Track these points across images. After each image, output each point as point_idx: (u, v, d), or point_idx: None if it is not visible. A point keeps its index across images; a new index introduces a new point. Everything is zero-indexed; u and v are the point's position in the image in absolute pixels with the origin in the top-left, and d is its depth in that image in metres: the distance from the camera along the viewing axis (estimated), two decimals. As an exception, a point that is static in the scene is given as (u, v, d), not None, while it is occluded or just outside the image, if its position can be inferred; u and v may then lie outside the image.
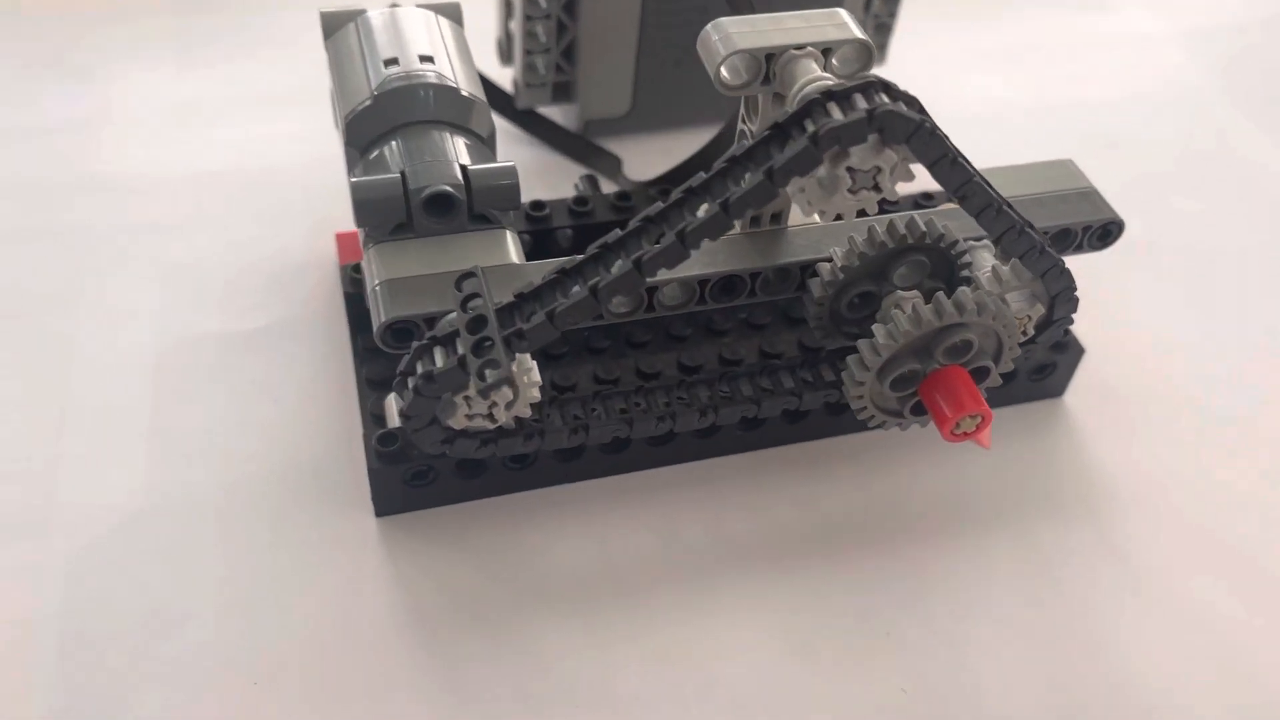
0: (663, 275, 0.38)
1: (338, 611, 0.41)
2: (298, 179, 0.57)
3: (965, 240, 0.40)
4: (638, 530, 0.45)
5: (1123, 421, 0.50)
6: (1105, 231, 0.44)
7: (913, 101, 0.34)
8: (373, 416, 0.46)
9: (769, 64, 0.37)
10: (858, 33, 0.37)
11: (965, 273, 0.41)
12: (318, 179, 0.57)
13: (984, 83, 0.69)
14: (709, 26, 0.37)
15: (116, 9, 0.66)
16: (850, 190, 0.34)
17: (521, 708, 0.39)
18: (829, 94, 0.33)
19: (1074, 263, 0.41)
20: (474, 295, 0.36)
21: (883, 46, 0.63)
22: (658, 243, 0.34)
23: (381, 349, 0.39)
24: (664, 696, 0.40)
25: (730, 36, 0.36)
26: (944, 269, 0.40)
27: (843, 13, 0.38)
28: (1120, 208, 0.44)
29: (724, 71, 0.37)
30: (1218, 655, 0.42)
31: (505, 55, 0.59)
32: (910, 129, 0.33)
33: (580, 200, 0.50)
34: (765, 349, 0.48)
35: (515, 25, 0.56)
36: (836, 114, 0.32)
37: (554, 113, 0.60)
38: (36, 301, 0.50)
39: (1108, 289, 0.55)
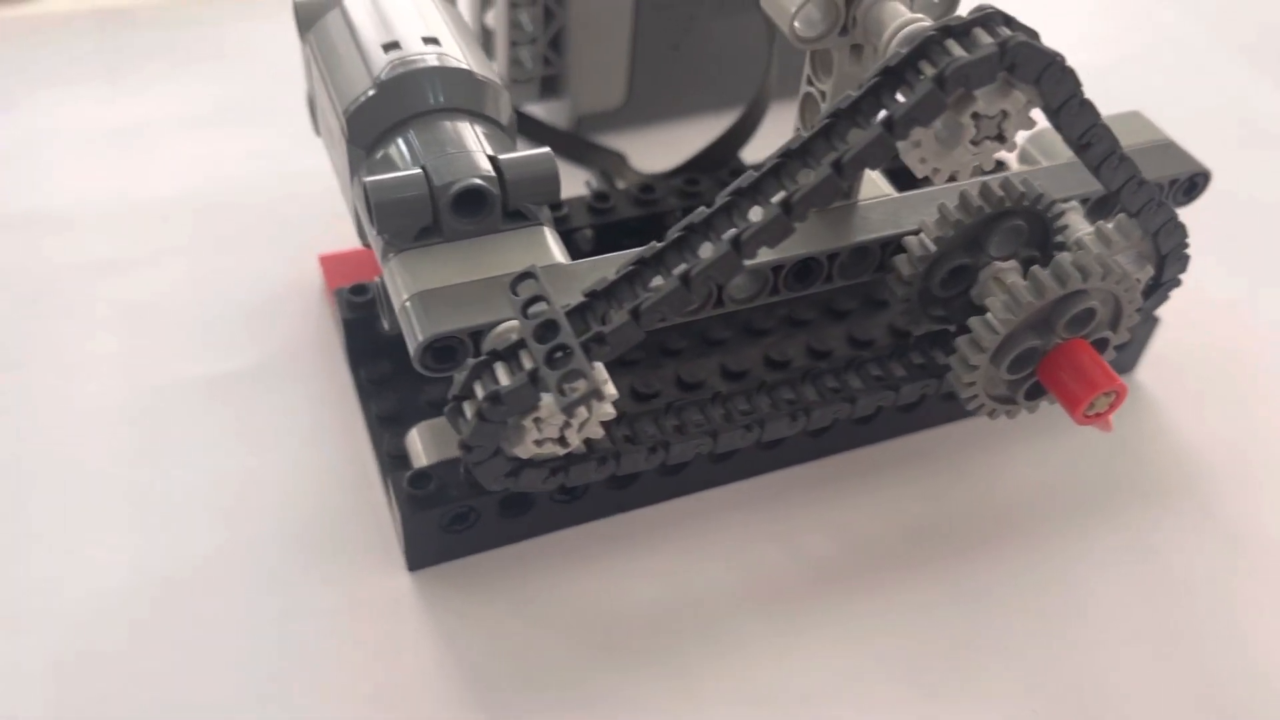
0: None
1: (380, 686, 0.35)
2: (261, 201, 0.51)
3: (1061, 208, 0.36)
4: (707, 559, 0.40)
5: (1201, 393, 0.46)
6: (1191, 185, 0.40)
7: (1035, 35, 0.29)
8: (390, 458, 0.40)
9: (849, 10, 0.32)
10: (942, -31, 0.33)
11: (1059, 238, 0.36)
12: (284, 200, 0.51)
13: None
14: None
15: (31, 29, 0.59)
16: (973, 141, 0.29)
17: (612, 776, 0.34)
18: (946, 30, 0.28)
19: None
20: (535, 299, 0.30)
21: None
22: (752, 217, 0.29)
23: (422, 372, 0.33)
24: (768, 746, 0.35)
25: (804, -18, 0.32)
26: (1039, 235, 0.36)
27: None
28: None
29: (798, 24, 0.32)
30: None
31: (485, 52, 0.54)
32: (1043, 64, 0.28)
33: (600, 196, 0.45)
34: (814, 346, 0.44)
35: (495, 17, 0.51)
36: (958, 51, 0.28)
37: (540, 111, 0.55)
38: (-26, 357, 0.43)
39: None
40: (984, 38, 0.28)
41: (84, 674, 0.35)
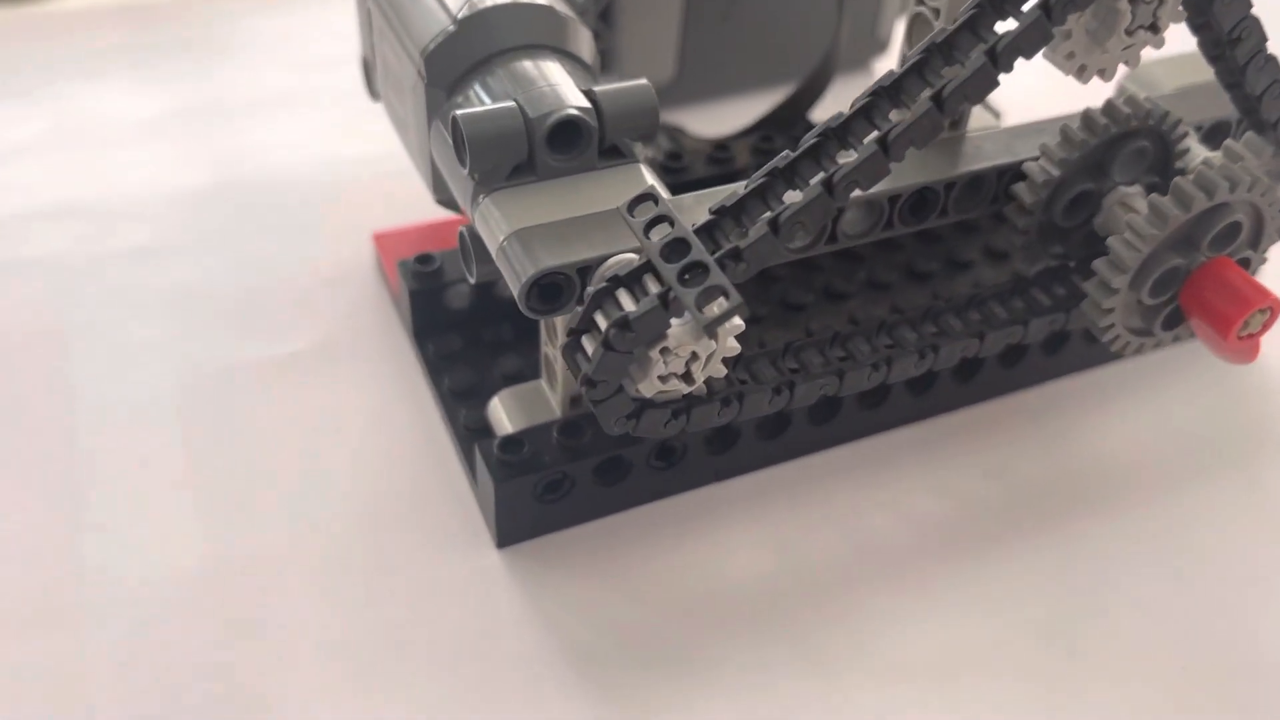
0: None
1: (479, 673, 0.32)
2: (301, 186, 0.49)
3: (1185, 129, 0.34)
4: (813, 526, 0.37)
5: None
6: (1302, 113, 0.38)
7: (1187, -84, 0.27)
8: (468, 431, 0.37)
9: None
10: None
11: (1179, 164, 0.34)
12: (324, 185, 0.49)
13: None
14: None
15: (54, 25, 0.57)
16: (1127, 31, 0.27)
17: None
18: (1099, -92, 0.26)
19: None
20: (657, 220, 0.28)
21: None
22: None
23: (527, 314, 0.30)
24: (909, 717, 0.32)
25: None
26: (1161, 160, 0.34)
27: None
28: None
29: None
30: None
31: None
32: (1203, -60, 0.26)
33: (673, 155, 0.43)
34: (898, 306, 0.42)
35: (540, -11, 0.49)
36: (1115, -71, 0.26)
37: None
38: (19, 345, 0.40)
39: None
40: (1140, -86, 0.26)
41: (145, 662, 0.32)
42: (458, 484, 0.37)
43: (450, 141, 0.32)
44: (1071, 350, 0.41)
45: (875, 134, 0.27)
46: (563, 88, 0.32)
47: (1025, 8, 0.26)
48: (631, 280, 0.27)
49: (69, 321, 0.41)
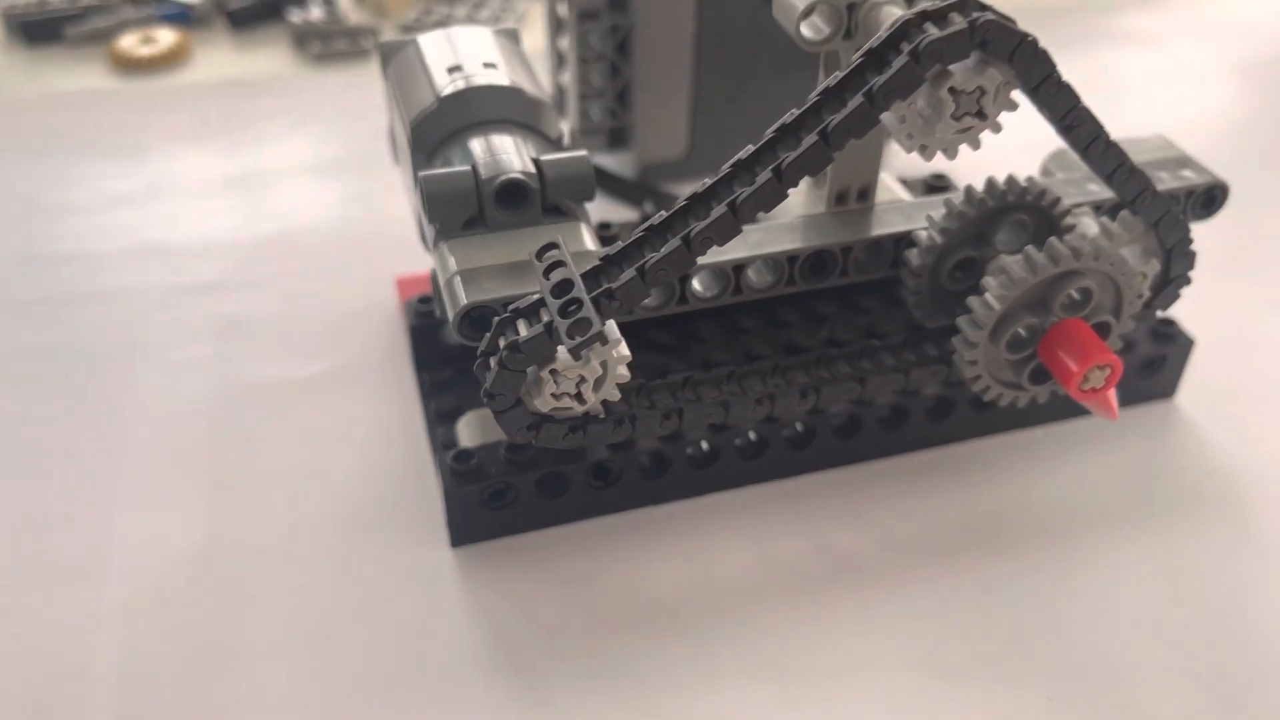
0: (751, 253, 0.36)
1: (416, 647, 0.38)
2: (347, 238, 0.56)
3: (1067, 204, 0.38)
4: (735, 549, 0.41)
5: (1240, 416, 0.46)
6: (1209, 197, 0.41)
7: (1012, 21, 0.32)
8: (442, 445, 0.43)
9: (850, 15, 0.35)
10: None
11: (1066, 237, 0.38)
12: (370, 235, 0.56)
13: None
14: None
15: (169, 96, 0.67)
16: (954, 116, 0.32)
17: (627, 734, 0.35)
18: (923, 14, 0.31)
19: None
20: (557, 264, 0.34)
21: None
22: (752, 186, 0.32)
23: (461, 339, 0.36)
24: (783, 718, 0.36)
25: (808, -10, 0.35)
26: (1045, 232, 0.38)
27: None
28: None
29: (804, 29, 0.35)
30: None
31: (559, 108, 0.58)
32: (1014, 43, 0.31)
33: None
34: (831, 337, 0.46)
35: (567, 77, 0.56)
36: (934, 31, 0.31)
37: (609, 161, 0.59)
38: (95, 357, 0.49)
39: (1200, 286, 0.52)
40: (958, 19, 0.31)
41: (149, 616, 0.38)
42: (432, 492, 0.43)
43: (423, 197, 0.39)
44: (1001, 409, 0.44)
45: (731, 198, 0.32)
46: (514, 155, 0.38)
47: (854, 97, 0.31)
48: (530, 312, 0.33)
49: (136, 341, 0.50)
